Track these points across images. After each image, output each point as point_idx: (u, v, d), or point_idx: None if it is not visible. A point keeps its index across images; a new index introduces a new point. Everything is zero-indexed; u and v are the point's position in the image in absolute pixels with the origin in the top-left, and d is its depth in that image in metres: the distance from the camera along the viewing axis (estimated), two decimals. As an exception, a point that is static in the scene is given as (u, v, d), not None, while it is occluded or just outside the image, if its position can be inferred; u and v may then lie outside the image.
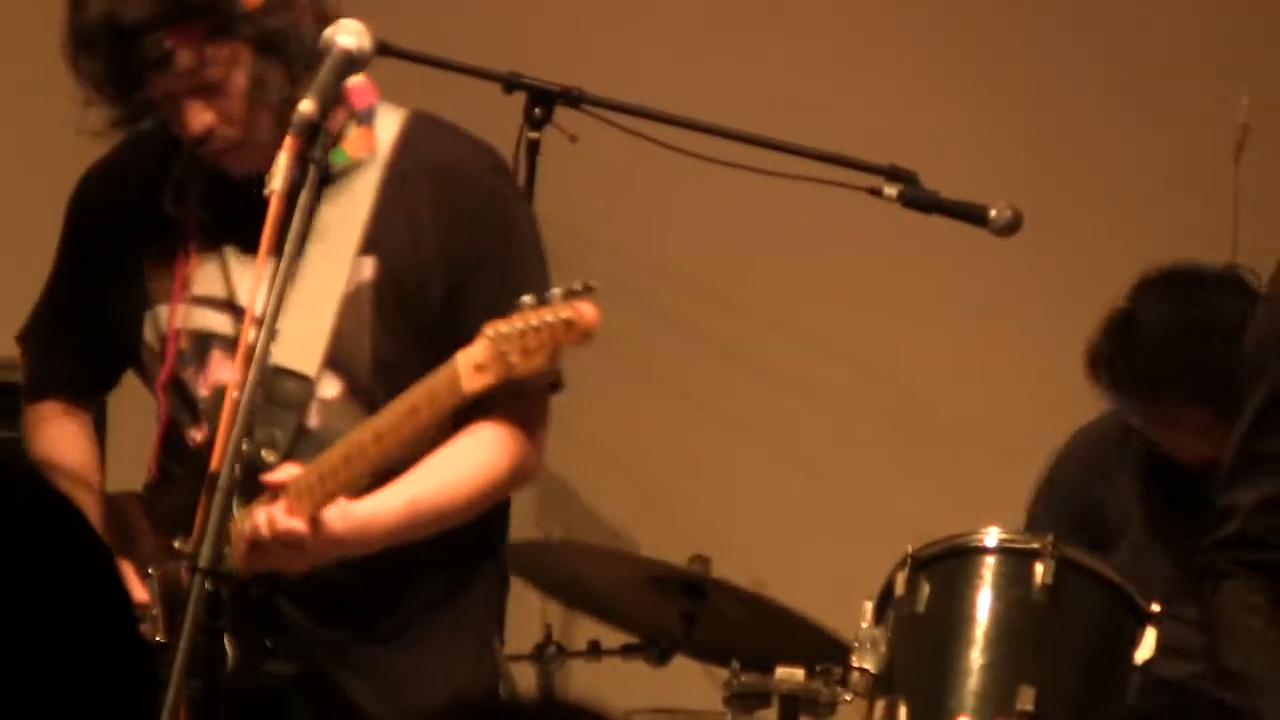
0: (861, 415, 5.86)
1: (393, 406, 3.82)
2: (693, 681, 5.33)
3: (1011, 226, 4.61)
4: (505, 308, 3.77)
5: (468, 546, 4.08)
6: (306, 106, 3.71)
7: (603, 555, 5.28)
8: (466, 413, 3.87)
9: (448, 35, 5.21)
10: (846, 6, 6.33)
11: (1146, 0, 6.48)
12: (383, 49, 4.03)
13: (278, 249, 3.86)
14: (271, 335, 3.78)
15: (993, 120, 6.11)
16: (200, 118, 3.87)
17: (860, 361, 5.98)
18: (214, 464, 3.70)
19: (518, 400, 3.92)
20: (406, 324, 3.98)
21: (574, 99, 4.33)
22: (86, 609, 2.06)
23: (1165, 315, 4.86)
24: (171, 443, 4.06)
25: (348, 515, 3.79)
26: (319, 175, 3.89)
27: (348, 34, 3.79)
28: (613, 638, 4.98)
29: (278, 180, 3.72)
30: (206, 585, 3.72)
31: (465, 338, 3.75)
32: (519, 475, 4.04)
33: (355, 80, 3.94)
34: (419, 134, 4.04)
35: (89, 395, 4.22)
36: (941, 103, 6.20)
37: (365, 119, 4.00)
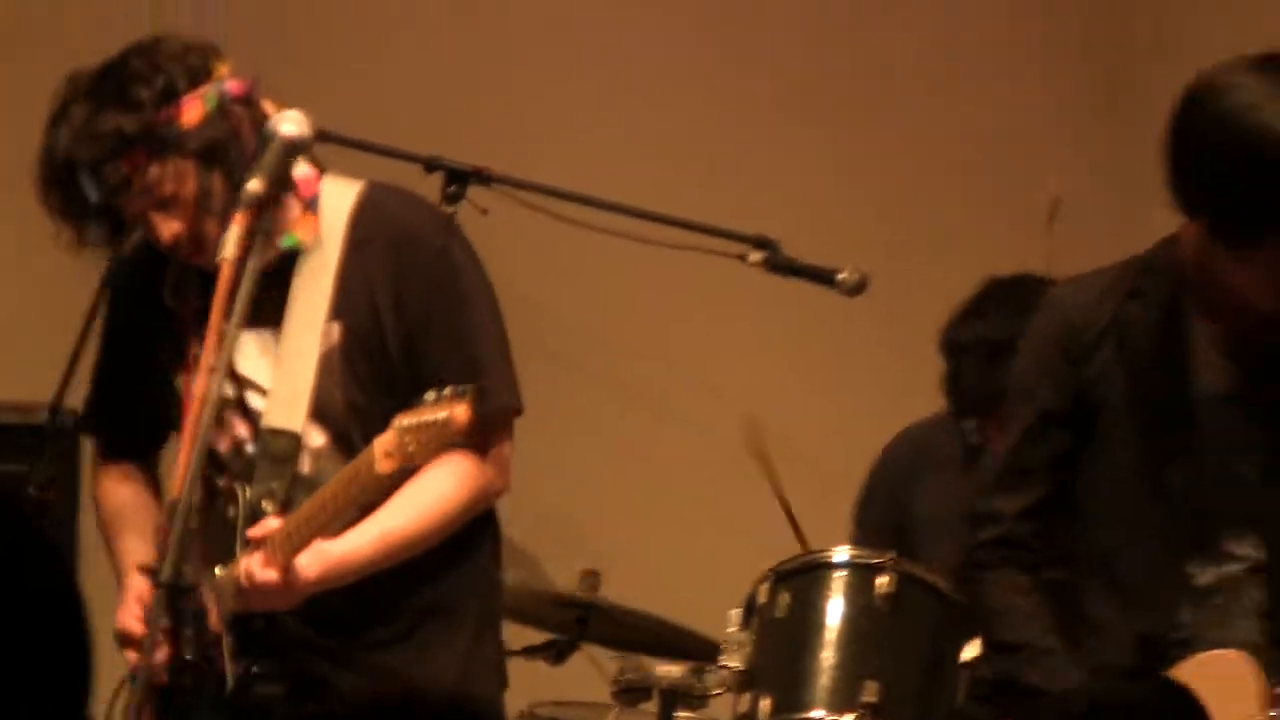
0: (733, 448, 5.85)
1: (337, 477, 3.96)
2: (586, 678, 5.45)
3: (859, 287, 4.56)
4: (454, 360, 4.00)
5: (458, 554, 4.19)
6: (254, 185, 3.83)
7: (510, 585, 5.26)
8: None
9: (376, 121, 5.25)
10: (731, 98, 6.52)
11: (974, 80, 6.55)
12: (320, 135, 4.08)
13: (254, 313, 4.00)
14: (220, 383, 3.93)
15: (845, 193, 6.26)
16: (167, 227, 3.99)
17: (733, 400, 6.03)
18: (174, 492, 3.87)
19: (479, 431, 3.98)
20: (373, 376, 4.09)
21: (484, 178, 4.29)
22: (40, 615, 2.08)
23: (981, 334, 5.00)
24: (208, 491, 4.18)
25: (323, 556, 3.94)
26: (272, 256, 4.01)
27: (289, 123, 3.89)
28: (517, 640, 5.08)
29: (228, 249, 3.85)
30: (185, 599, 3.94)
31: (426, 383, 3.88)
32: (482, 497, 4.13)
33: (302, 172, 4.05)
34: (374, 202, 4.14)
35: (147, 455, 4.33)
36: (801, 178, 6.34)
37: (310, 206, 4.10)
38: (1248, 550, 4.08)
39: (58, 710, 2.07)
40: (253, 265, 3.90)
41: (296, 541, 3.92)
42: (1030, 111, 5.85)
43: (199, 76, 4.02)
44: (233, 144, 4.01)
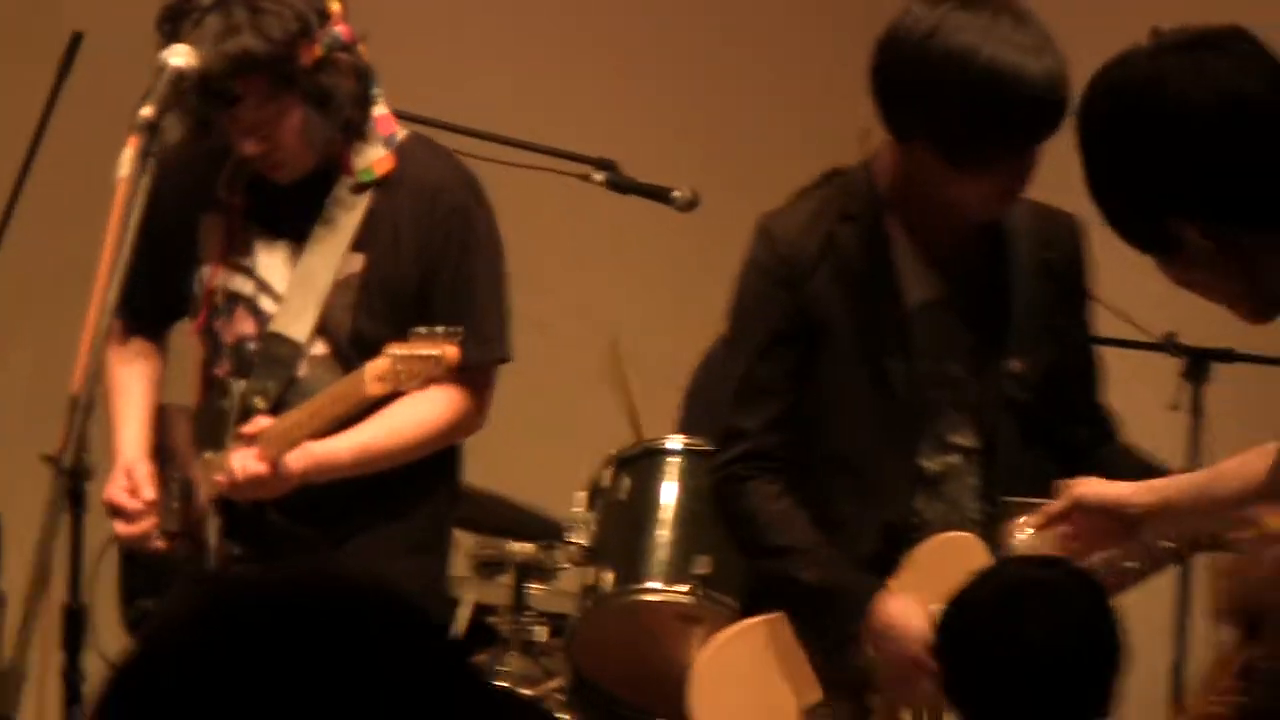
0: (582, 350, 5.93)
1: (328, 390, 4.06)
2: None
3: (691, 204, 4.69)
4: (456, 307, 4.09)
5: (422, 475, 4.26)
6: (146, 110, 3.85)
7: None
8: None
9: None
10: (574, 30, 6.45)
11: (796, 17, 6.48)
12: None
13: (285, 226, 4.12)
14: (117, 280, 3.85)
15: (680, 117, 6.25)
16: (257, 145, 4.03)
17: (583, 308, 6.12)
18: (74, 387, 3.80)
19: (465, 371, 4.08)
20: (383, 308, 4.14)
21: None
22: None
23: None
24: (206, 377, 4.27)
25: (307, 454, 4.03)
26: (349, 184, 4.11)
27: (178, 55, 3.90)
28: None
29: (122, 169, 3.87)
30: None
31: (427, 324, 3.98)
32: (459, 428, 4.23)
33: (380, 111, 4.14)
34: (409, 154, 4.18)
35: (157, 329, 4.36)
36: (641, 101, 6.33)
37: (389, 143, 4.16)
38: (965, 439, 4.13)
39: None
40: (143, 186, 3.87)
41: (286, 441, 4.02)
42: (844, 47, 5.93)
43: (322, 19, 4.04)
44: (336, 92, 4.04)
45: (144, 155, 3.88)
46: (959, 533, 4.05)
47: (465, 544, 5.23)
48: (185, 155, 4.06)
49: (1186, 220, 3.02)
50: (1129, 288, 4.81)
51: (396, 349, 3.92)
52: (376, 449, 4.15)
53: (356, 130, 4.11)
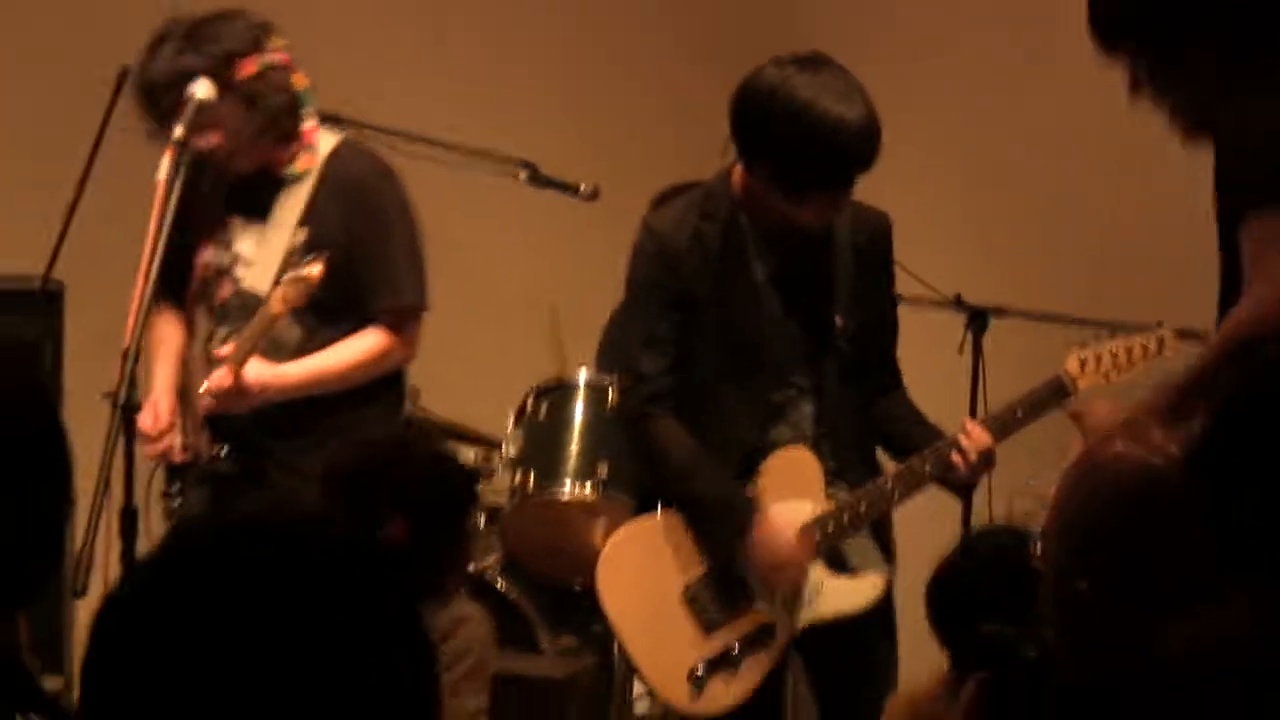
0: (514, 309, 5.93)
1: (257, 315, 4.12)
2: None
3: (593, 196, 4.65)
4: (376, 269, 4.22)
5: (368, 396, 4.31)
6: (177, 132, 4.04)
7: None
8: (365, 321, 4.23)
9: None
10: (499, 37, 6.26)
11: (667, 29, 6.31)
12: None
13: (256, 211, 4.21)
14: (156, 265, 3.98)
15: (584, 125, 6.09)
16: (206, 142, 4.15)
17: (512, 277, 6.09)
18: (126, 343, 3.94)
19: (390, 315, 4.25)
20: (327, 272, 4.09)
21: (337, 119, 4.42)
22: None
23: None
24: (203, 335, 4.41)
25: (263, 370, 4.19)
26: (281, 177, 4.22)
27: (200, 88, 4.06)
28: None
29: (161, 173, 4.05)
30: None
31: (356, 281, 4.16)
32: (385, 359, 4.31)
33: (308, 125, 4.27)
34: (342, 153, 4.31)
35: (181, 302, 4.38)
36: (552, 111, 6.10)
37: (309, 149, 4.29)
38: (801, 380, 4.20)
39: None
40: (178, 183, 4.01)
41: (239, 356, 4.16)
42: (715, 75, 5.14)
43: (258, 44, 4.17)
44: (270, 97, 4.19)
45: (176, 165, 4.06)
46: (796, 448, 4.17)
47: None
48: (195, 165, 4.12)
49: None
50: (926, 260, 4.96)
51: (285, 277, 4.07)
52: (319, 370, 4.24)
53: (289, 135, 4.26)
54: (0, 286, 4.97)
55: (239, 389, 4.18)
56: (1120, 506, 1.94)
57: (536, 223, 5.76)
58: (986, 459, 4.09)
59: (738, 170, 4.10)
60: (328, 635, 1.43)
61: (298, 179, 4.28)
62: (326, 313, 4.22)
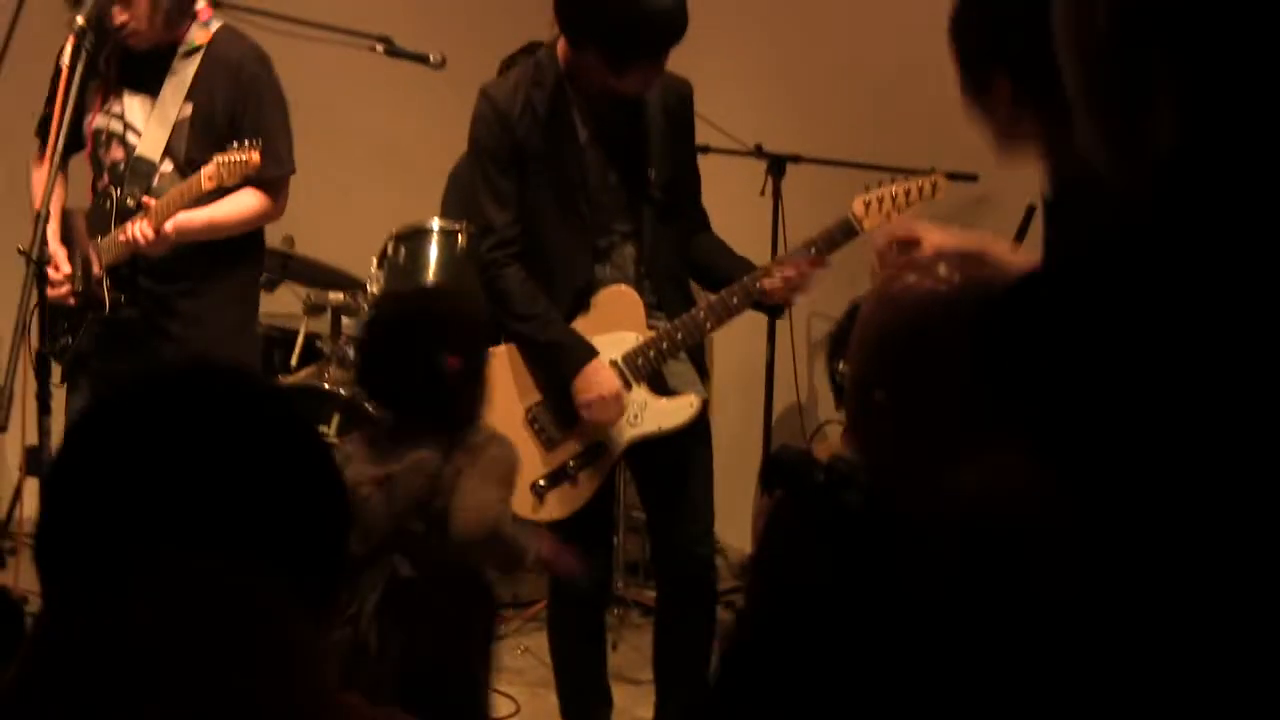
0: (375, 162, 5.98)
1: (185, 183, 4.24)
2: (287, 303, 5.55)
3: (441, 64, 4.74)
4: (254, 137, 4.24)
5: (233, 252, 4.43)
6: (79, 19, 4.06)
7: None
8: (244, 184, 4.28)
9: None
10: None
11: None
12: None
13: (144, 83, 4.21)
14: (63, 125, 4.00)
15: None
16: (120, 17, 4.24)
17: (378, 134, 6.07)
18: (36, 205, 4.04)
19: (264, 180, 4.32)
20: (207, 139, 4.31)
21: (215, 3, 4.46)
22: None
23: None
24: (94, 189, 4.45)
25: (176, 220, 4.29)
26: (178, 49, 4.23)
27: None
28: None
29: (64, 59, 4.08)
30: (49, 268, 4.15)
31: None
32: (263, 216, 4.44)
33: (200, 4, 4.33)
34: (223, 37, 4.37)
35: (66, 158, 4.32)
36: None
37: (205, 25, 4.35)
38: (623, 226, 4.24)
39: None
40: (80, 65, 4.00)
41: (162, 214, 4.26)
42: None
43: None
44: None
45: (76, 50, 4.09)
46: (620, 285, 4.23)
47: (301, 294, 5.49)
48: (91, 37, 4.12)
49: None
50: (733, 115, 5.14)
51: (219, 157, 4.17)
52: (212, 219, 4.32)
53: (185, 13, 4.33)
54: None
55: (160, 237, 4.28)
56: (906, 325, 2.00)
57: (394, 89, 5.74)
58: (793, 286, 4.16)
59: (562, 44, 4.14)
60: (257, 463, 1.50)
61: (193, 51, 4.32)
62: (195, 164, 4.28)
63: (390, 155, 5.88)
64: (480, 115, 4.19)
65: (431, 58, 4.73)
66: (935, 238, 3.46)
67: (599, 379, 4.16)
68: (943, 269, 2.03)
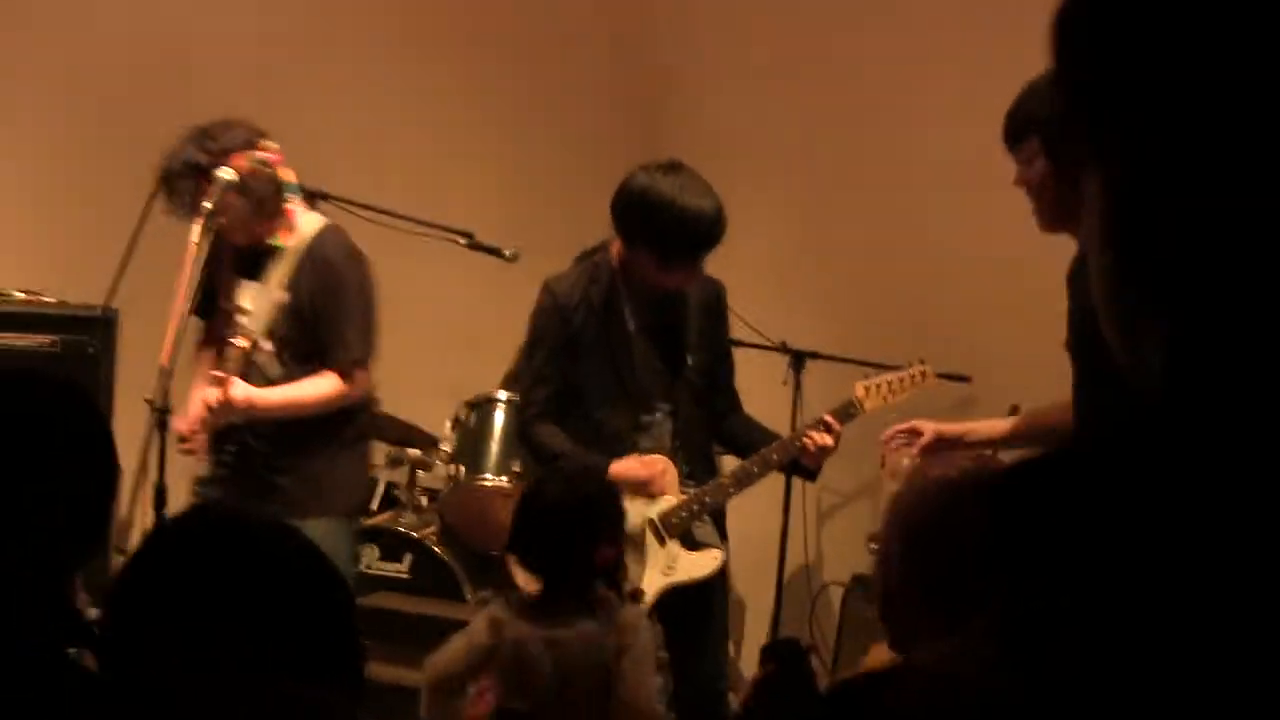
0: (455, 344, 5.87)
1: (232, 356, 4.20)
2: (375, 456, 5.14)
3: (515, 258, 4.65)
4: (331, 331, 4.24)
5: (335, 420, 4.34)
6: (207, 205, 4.07)
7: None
8: (321, 366, 4.25)
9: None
10: (447, 120, 6.16)
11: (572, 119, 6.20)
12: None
13: (255, 272, 4.22)
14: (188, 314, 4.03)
15: (514, 203, 5.92)
16: (218, 218, 4.17)
17: (456, 316, 5.94)
18: (163, 360, 3.98)
19: (339, 364, 4.25)
20: (300, 327, 4.29)
21: (324, 195, 4.46)
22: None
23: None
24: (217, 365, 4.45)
25: (249, 392, 4.25)
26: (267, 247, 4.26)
27: (226, 171, 4.09)
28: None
29: (193, 238, 4.05)
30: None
31: (318, 338, 4.20)
32: (340, 397, 4.31)
33: (291, 205, 4.31)
34: (324, 235, 4.33)
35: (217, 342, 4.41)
36: (481, 180, 5.95)
37: (289, 225, 4.33)
38: (664, 405, 4.29)
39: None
40: (201, 252, 4.03)
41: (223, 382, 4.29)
42: (597, 152, 5.68)
43: (250, 144, 4.21)
44: (256, 187, 4.22)
45: (205, 230, 4.14)
46: (659, 456, 4.25)
47: (383, 449, 5.40)
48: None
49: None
50: (760, 313, 5.14)
51: (226, 350, 4.16)
52: (287, 398, 4.26)
53: (274, 215, 4.30)
54: (70, 311, 4.94)
55: (228, 403, 4.28)
56: (926, 507, 2.00)
57: (472, 277, 5.59)
58: (825, 450, 4.21)
59: (616, 245, 4.25)
60: (276, 591, 1.61)
61: (281, 250, 4.34)
62: (300, 357, 4.34)
63: (467, 333, 5.90)
64: (541, 306, 4.30)
65: (506, 252, 4.75)
66: (932, 427, 3.86)
67: (628, 461, 4.19)
68: (963, 461, 2.09)
